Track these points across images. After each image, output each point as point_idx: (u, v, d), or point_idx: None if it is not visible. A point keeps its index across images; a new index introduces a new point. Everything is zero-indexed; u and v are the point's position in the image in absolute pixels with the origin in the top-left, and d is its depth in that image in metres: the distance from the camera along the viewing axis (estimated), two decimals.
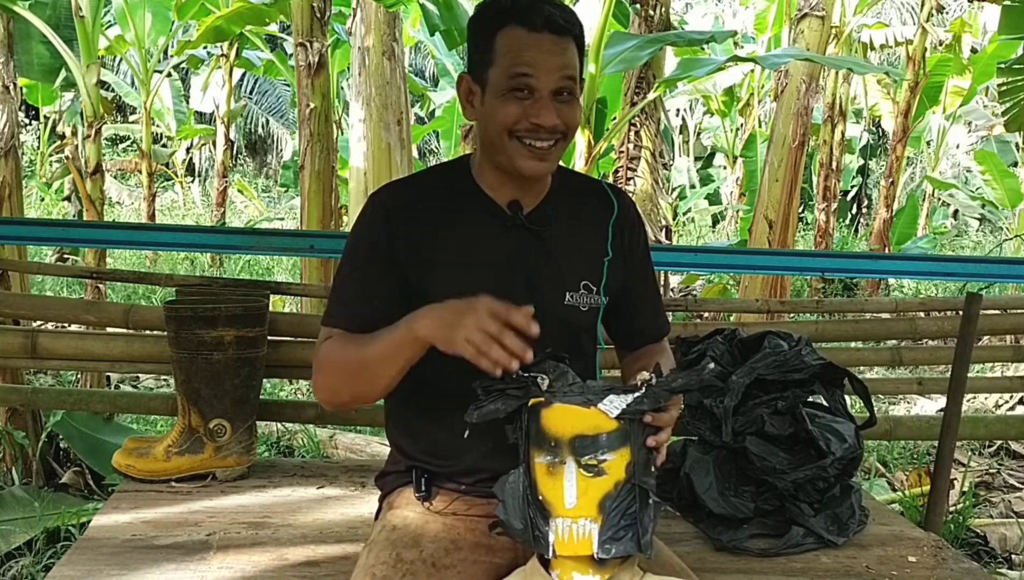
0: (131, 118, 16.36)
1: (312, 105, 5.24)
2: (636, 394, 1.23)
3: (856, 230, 16.07)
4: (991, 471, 4.17)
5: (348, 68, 7.07)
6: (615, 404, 1.21)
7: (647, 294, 1.59)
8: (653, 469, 1.25)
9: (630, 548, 1.21)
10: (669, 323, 1.67)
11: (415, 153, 9.12)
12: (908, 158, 14.43)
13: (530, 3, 1.35)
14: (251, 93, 18.28)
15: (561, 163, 1.50)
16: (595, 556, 1.20)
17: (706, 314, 4.13)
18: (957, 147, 15.82)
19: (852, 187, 16.82)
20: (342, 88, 11.67)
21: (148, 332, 2.61)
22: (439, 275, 1.41)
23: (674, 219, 11.01)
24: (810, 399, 2.05)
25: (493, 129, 1.38)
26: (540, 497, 1.23)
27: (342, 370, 1.39)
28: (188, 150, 15.14)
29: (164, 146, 14.11)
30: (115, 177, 15.27)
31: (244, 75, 15.38)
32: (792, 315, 3.13)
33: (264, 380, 2.41)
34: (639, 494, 1.22)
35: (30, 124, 14.75)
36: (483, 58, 1.38)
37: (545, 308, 1.43)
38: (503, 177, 1.43)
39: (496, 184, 1.45)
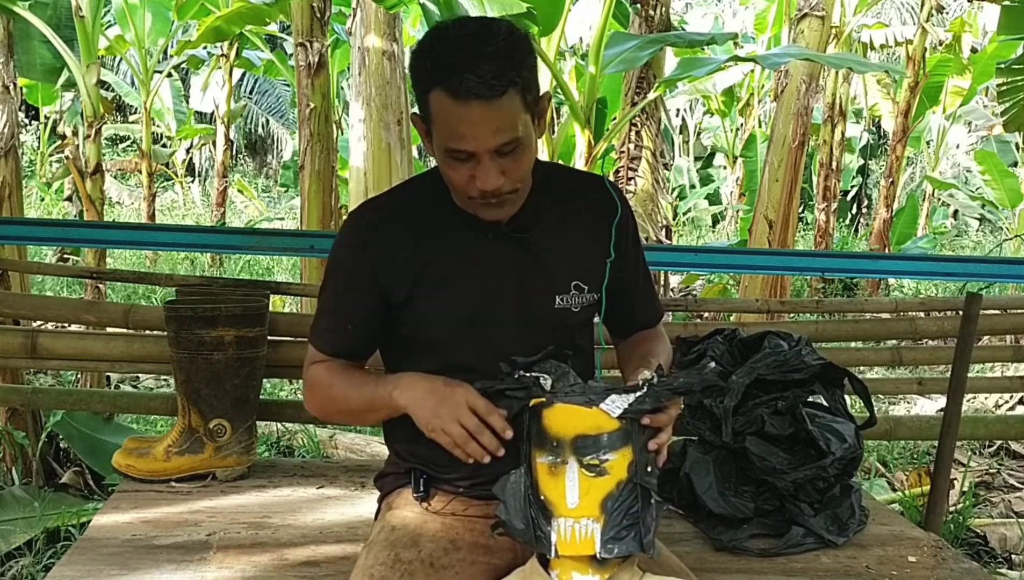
0: (131, 118, 16.36)
1: (312, 105, 5.24)
2: (638, 394, 1.23)
3: (856, 230, 16.07)
4: (991, 471, 4.16)
5: (348, 68, 7.07)
6: (617, 404, 1.21)
7: (639, 282, 1.58)
8: (651, 468, 1.25)
9: (632, 547, 1.21)
10: (662, 308, 1.66)
11: (415, 153, 9.12)
12: (908, 158, 14.44)
13: (453, 68, 1.24)
14: (251, 93, 18.26)
15: (561, 162, 1.49)
16: (598, 556, 1.20)
17: (706, 314, 4.13)
18: (957, 147, 15.81)
19: (852, 187, 16.81)
20: (342, 88, 11.68)
21: (148, 332, 2.61)
22: (423, 290, 1.40)
23: (674, 219, 11.01)
24: (810, 399, 2.05)
25: (450, 186, 1.37)
26: (542, 497, 1.23)
27: (328, 400, 1.46)
28: (188, 150, 15.14)
29: (164, 146, 14.11)
30: (115, 177, 15.27)
31: (244, 75, 15.37)
32: (792, 315, 3.13)
33: (264, 380, 2.41)
34: (641, 493, 1.22)
35: (30, 124, 14.75)
36: (423, 110, 1.33)
37: (536, 314, 1.43)
38: None
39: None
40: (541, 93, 1.35)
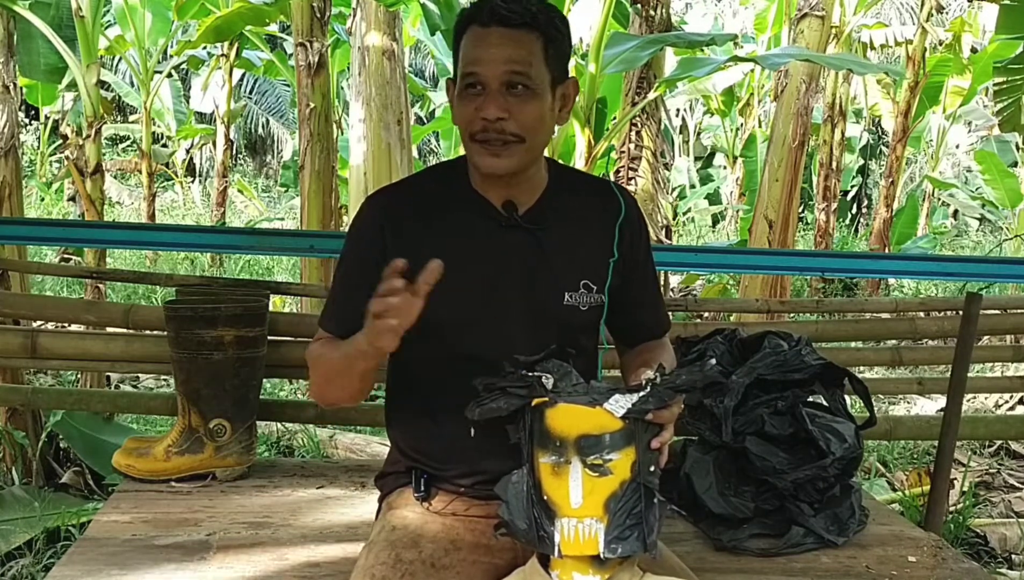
0: (131, 118, 16.36)
1: (312, 105, 5.24)
2: (641, 393, 1.22)
3: (856, 230, 16.06)
4: (991, 471, 4.16)
5: (348, 68, 7.07)
6: (620, 404, 1.21)
7: (648, 291, 1.59)
8: (653, 468, 1.25)
9: (636, 547, 1.21)
10: (670, 320, 1.66)
11: (415, 153, 9.11)
12: (908, 158, 14.43)
13: (487, 2, 1.36)
14: (251, 93, 18.27)
15: (560, 161, 1.50)
16: (601, 556, 1.20)
17: (706, 314, 4.13)
18: (957, 147, 15.82)
19: (852, 187, 16.81)
20: (342, 88, 11.67)
21: (148, 332, 2.61)
22: None
23: (674, 219, 11.01)
24: (810, 399, 2.05)
25: (459, 131, 1.41)
26: (545, 497, 1.23)
27: (319, 373, 1.45)
28: (188, 150, 15.13)
29: (164, 146, 14.11)
30: (115, 177, 15.26)
31: (244, 75, 15.37)
32: (792, 315, 3.13)
33: (264, 380, 2.41)
34: (644, 493, 1.22)
35: (30, 124, 14.75)
36: (455, 61, 1.41)
37: (544, 308, 1.43)
38: (491, 177, 1.43)
39: (488, 184, 1.44)
40: (568, 78, 1.42)
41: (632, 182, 5.75)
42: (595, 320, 1.50)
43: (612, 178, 5.93)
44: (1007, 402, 5.21)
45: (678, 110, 16.79)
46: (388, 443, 1.60)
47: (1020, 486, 4.05)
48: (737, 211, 13.09)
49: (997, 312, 2.99)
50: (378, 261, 1.40)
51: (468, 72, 1.35)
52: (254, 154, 21.12)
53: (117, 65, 14.22)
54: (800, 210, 9.53)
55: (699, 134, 17.90)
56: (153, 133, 9.74)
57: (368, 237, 1.44)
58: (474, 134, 1.36)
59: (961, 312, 2.31)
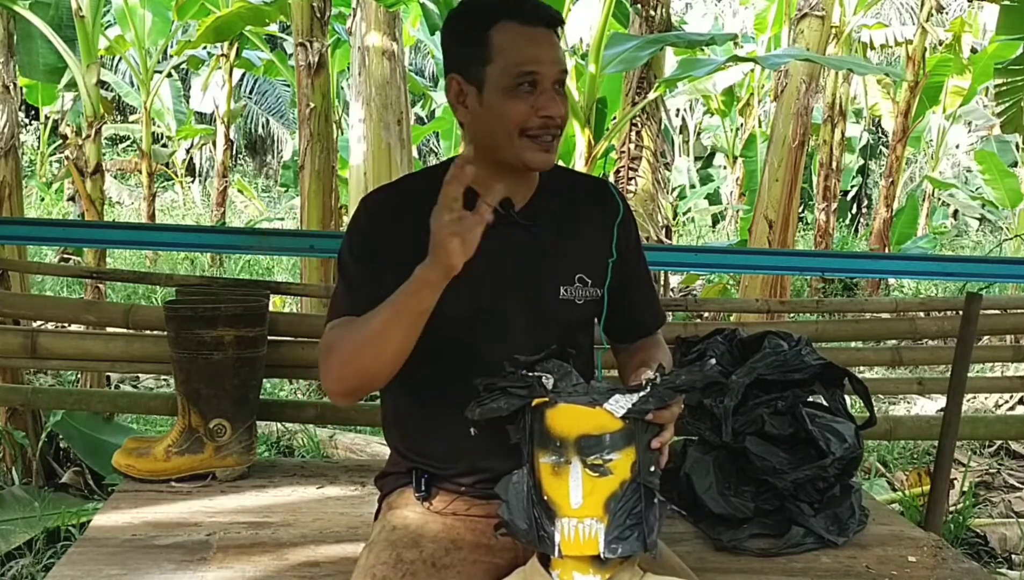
0: (131, 118, 16.35)
1: (312, 105, 5.24)
2: (641, 393, 1.23)
3: (856, 230, 16.06)
4: (991, 471, 4.17)
5: (348, 68, 7.08)
6: (620, 404, 1.21)
7: (642, 286, 1.59)
8: (653, 468, 1.25)
9: (636, 547, 1.21)
10: (664, 314, 1.67)
11: (415, 153, 9.12)
12: (908, 158, 14.42)
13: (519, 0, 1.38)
14: (251, 93, 18.27)
15: (561, 162, 1.51)
16: (601, 556, 1.20)
17: (706, 314, 4.13)
18: (957, 147, 15.82)
19: (852, 187, 16.81)
20: (342, 88, 11.68)
21: (148, 332, 2.61)
22: None
23: (674, 219, 11.01)
24: (810, 399, 2.05)
25: (500, 129, 1.38)
26: (545, 497, 1.23)
27: (348, 346, 1.35)
28: (188, 150, 15.13)
29: (164, 146, 14.10)
30: (115, 177, 15.25)
31: (244, 75, 15.37)
32: (792, 315, 3.13)
33: (264, 380, 2.41)
34: (644, 493, 1.22)
35: (30, 124, 14.74)
36: (477, 56, 1.38)
37: (540, 303, 1.44)
38: (493, 175, 1.42)
39: (486, 182, 1.43)
40: None
41: (632, 182, 5.76)
42: (591, 315, 1.51)
43: (612, 178, 5.93)
44: (1007, 402, 5.21)
45: (678, 110, 16.80)
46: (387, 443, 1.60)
47: (1020, 486, 4.05)
48: (737, 211, 13.10)
49: (997, 312, 2.99)
50: (373, 256, 1.40)
51: (528, 71, 1.35)
52: (254, 154, 21.12)
53: (117, 65, 14.22)
54: (800, 210, 9.52)
55: (699, 134, 17.90)
56: (153, 133, 9.74)
57: (363, 233, 1.43)
58: (526, 130, 1.37)
59: (961, 312, 2.31)
